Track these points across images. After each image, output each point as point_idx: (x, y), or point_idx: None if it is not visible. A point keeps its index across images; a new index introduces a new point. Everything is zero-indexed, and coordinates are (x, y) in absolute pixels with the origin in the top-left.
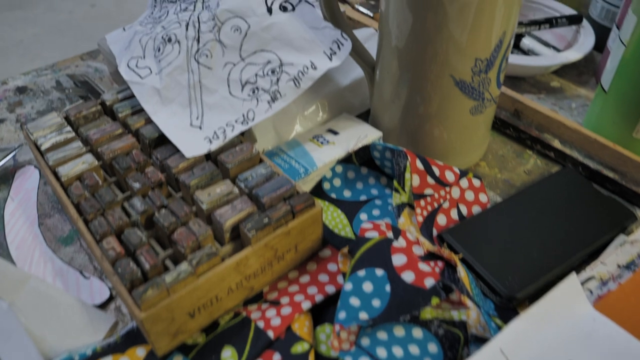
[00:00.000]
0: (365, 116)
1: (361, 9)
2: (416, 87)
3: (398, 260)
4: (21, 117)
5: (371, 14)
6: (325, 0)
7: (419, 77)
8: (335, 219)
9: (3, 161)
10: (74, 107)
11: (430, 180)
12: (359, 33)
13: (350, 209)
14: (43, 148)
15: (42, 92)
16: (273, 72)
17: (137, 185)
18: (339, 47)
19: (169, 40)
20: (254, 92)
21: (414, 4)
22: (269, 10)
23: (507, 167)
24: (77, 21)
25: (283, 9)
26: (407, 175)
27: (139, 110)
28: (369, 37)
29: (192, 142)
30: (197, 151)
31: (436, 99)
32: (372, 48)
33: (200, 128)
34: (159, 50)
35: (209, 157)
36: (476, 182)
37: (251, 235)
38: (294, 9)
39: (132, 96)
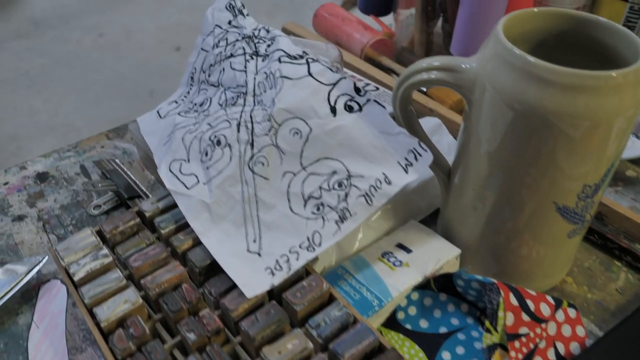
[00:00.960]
0: (431, 218)
1: None
2: (506, 200)
3: None
4: (43, 214)
5: (424, 89)
6: (400, 102)
7: (511, 192)
8: (413, 358)
9: (26, 279)
10: (109, 222)
11: (525, 317)
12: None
13: (430, 344)
14: (76, 278)
15: (65, 179)
16: (340, 185)
17: (192, 336)
18: (415, 157)
19: (218, 143)
20: (318, 209)
21: (514, 119)
22: (333, 111)
23: (596, 285)
24: (85, 51)
25: (349, 108)
26: (501, 313)
27: (184, 225)
28: (435, 130)
29: (251, 275)
30: (259, 288)
31: (529, 217)
32: (439, 142)
33: (259, 254)
34: (206, 154)
35: (272, 291)
36: (572, 313)
37: None
38: (360, 109)
39: (174, 205)
